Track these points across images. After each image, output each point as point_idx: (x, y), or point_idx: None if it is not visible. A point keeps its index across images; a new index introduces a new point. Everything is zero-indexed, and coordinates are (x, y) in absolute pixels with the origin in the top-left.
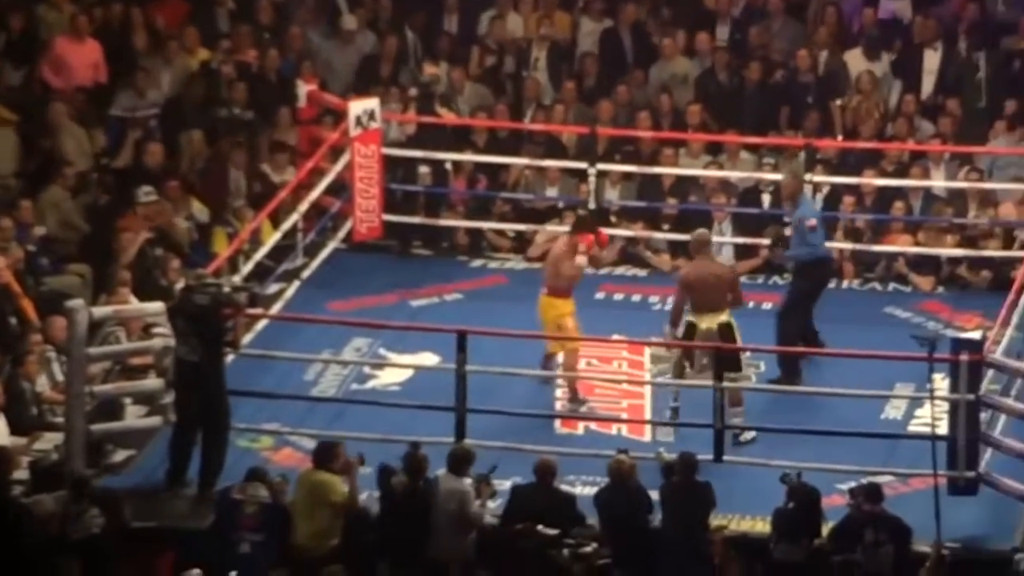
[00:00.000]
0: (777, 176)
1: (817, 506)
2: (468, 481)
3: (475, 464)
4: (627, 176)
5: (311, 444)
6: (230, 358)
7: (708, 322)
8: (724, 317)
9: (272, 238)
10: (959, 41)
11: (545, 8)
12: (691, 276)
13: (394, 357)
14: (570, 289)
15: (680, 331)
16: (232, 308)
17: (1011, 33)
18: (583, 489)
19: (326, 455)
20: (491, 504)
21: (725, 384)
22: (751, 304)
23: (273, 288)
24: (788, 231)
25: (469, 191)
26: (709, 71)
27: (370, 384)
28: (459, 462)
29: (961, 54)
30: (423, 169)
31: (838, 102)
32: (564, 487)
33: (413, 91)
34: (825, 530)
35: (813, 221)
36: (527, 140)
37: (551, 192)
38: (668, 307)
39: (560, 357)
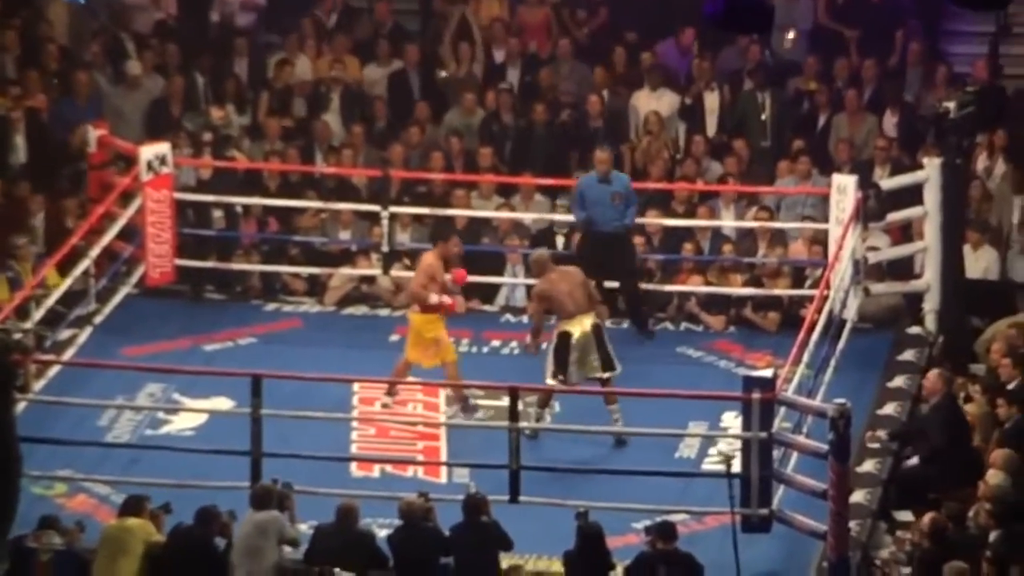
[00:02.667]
0: (570, 217)
1: (600, 542)
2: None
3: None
4: (419, 218)
5: (106, 490)
6: (21, 405)
7: (581, 326)
8: (592, 318)
9: (64, 283)
10: (744, 82)
11: (335, 52)
12: (546, 288)
13: (188, 402)
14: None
15: (552, 343)
16: (21, 354)
17: (797, 74)
18: (380, 531)
19: (133, 507)
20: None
21: (521, 425)
22: None
23: (65, 334)
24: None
25: (262, 234)
26: (493, 113)
27: (164, 429)
28: (262, 498)
29: (744, 94)
30: (216, 213)
31: (627, 144)
32: (364, 528)
33: (208, 136)
34: (620, 569)
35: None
36: (318, 183)
37: (344, 235)
38: (464, 348)
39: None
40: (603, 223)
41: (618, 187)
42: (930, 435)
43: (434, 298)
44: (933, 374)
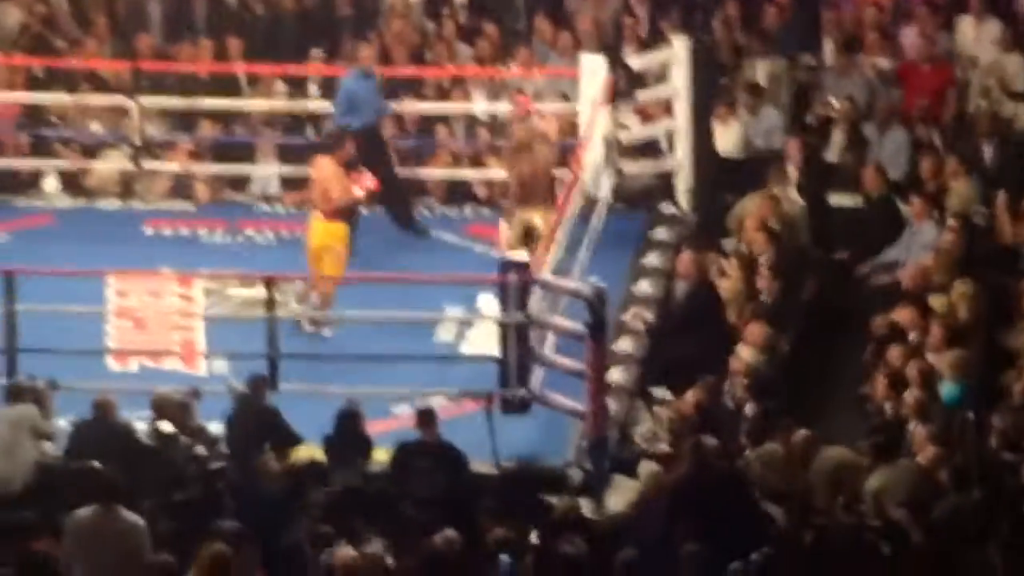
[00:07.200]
0: (318, 104)
1: (357, 424)
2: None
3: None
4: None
5: None
6: None
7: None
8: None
9: None
10: None
11: None
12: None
13: None
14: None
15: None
16: None
17: None
18: (142, 424)
19: None
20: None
21: (276, 314)
22: (285, 232)
23: None
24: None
25: (16, 128)
26: (244, 2)
27: None
28: (15, 395)
29: None
30: None
31: (376, 31)
32: (123, 422)
33: None
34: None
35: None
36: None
37: (95, 127)
38: (218, 239)
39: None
40: (368, 118)
41: (377, 79)
42: (686, 314)
43: (359, 192)
44: (687, 256)
